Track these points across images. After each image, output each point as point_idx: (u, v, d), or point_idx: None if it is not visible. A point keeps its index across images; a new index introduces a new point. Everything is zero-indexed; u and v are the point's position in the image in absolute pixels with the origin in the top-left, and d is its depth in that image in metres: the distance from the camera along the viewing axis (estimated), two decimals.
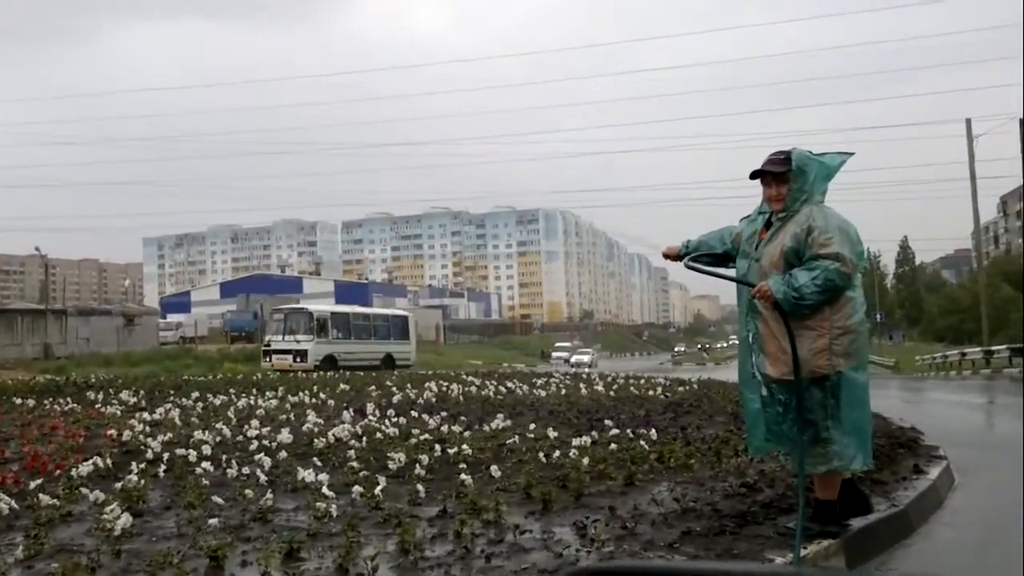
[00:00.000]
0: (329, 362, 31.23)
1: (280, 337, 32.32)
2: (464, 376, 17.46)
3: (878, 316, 72.54)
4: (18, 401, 12.18)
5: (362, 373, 21.57)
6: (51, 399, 12.53)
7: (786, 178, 4.61)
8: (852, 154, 4.83)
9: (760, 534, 4.69)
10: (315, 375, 20.29)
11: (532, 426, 8.59)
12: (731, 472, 6.31)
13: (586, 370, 22.45)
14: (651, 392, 13.61)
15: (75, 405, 11.46)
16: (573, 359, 56.77)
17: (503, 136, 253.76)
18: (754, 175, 4.73)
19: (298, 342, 31.73)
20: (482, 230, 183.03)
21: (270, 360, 31.61)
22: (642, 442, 7.38)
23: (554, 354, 64.79)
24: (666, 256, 5.34)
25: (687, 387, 15.13)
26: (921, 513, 5.68)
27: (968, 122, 41.07)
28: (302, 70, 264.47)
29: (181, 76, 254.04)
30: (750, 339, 4.71)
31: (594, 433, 8.04)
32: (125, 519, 4.71)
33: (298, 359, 31.02)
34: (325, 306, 39.07)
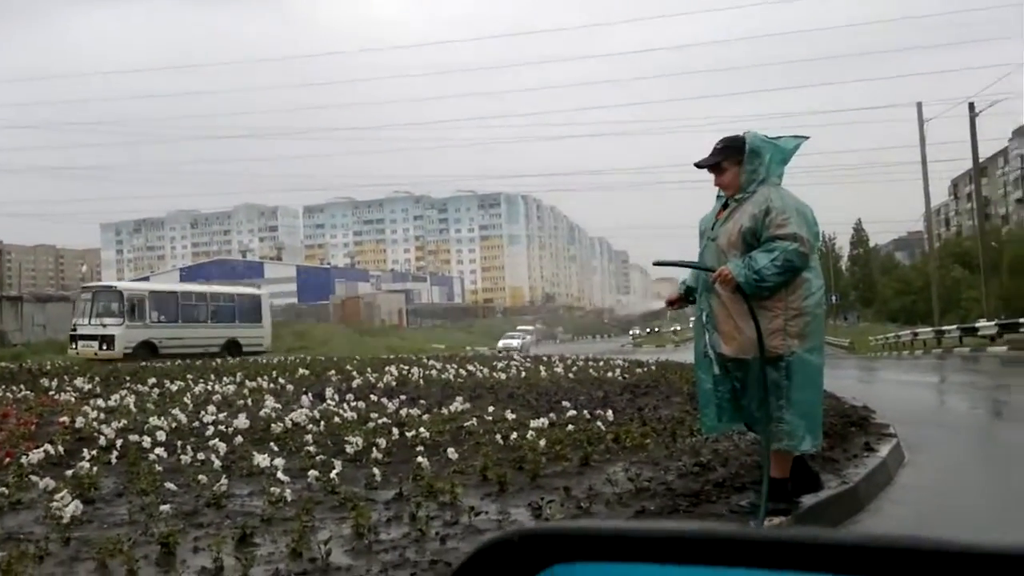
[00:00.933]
0: (147, 349, 27.56)
1: (86, 320, 28.14)
2: (425, 360, 17.43)
3: (833, 298, 73.59)
4: None
5: (323, 358, 21.34)
6: (3, 386, 12.30)
7: (722, 168, 4.67)
8: (807, 138, 4.90)
9: (713, 512, 4.76)
10: (274, 359, 20.12)
11: (491, 408, 8.60)
12: (686, 452, 6.38)
13: (515, 356, 21.64)
14: (609, 374, 13.69)
15: (28, 392, 11.26)
16: (500, 344, 51.68)
17: (464, 120, 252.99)
18: (698, 166, 4.80)
19: (104, 326, 27.66)
20: (444, 214, 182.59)
21: (76, 346, 27.84)
22: (599, 423, 7.43)
23: (501, 342, 60.50)
24: (670, 303, 5.37)
25: (645, 369, 15.25)
26: (871, 490, 5.78)
27: (919, 106, 41.71)
28: (262, 53, 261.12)
29: (140, 59, 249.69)
30: (703, 318, 4.76)
31: (552, 415, 8.08)
32: (75, 506, 4.64)
33: (104, 346, 27.17)
34: (144, 284, 35.13)
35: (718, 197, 4.89)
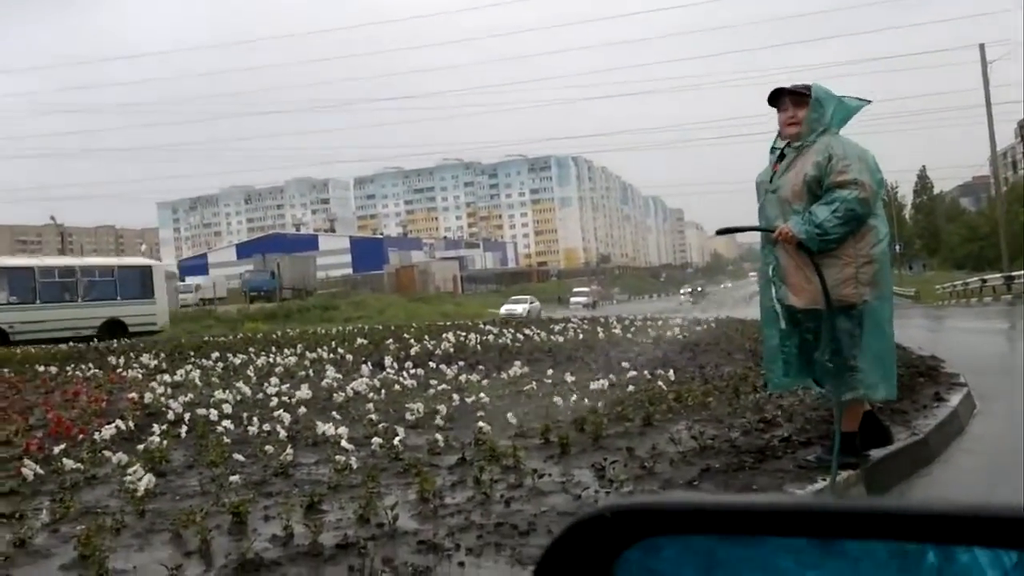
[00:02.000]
0: None
1: None
2: (482, 325, 17.49)
3: (897, 247, 71.96)
4: (41, 369, 12.30)
5: (366, 327, 20.91)
6: (73, 365, 12.65)
7: (804, 102, 4.59)
8: (870, 101, 4.88)
9: (780, 468, 4.69)
10: (332, 330, 20.31)
11: (550, 371, 8.59)
12: (749, 408, 6.30)
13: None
14: (668, 333, 13.58)
15: (97, 370, 11.57)
16: (503, 309, 48.22)
17: (511, 84, 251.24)
18: (772, 97, 4.70)
19: None
20: (495, 180, 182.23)
21: None
22: (660, 383, 7.37)
23: (572, 299, 66.40)
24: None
25: (704, 326, 15.10)
26: (942, 441, 5.66)
27: (982, 47, 40.27)
28: (309, 26, 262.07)
29: (192, 37, 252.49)
30: (770, 272, 4.69)
31: (612, 376, 8.04)
32: (148, 479, 4.75)
33: None
34: None
35: (772, 150, 4.83)
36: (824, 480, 4.37)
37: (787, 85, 4.74)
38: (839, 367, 4.49)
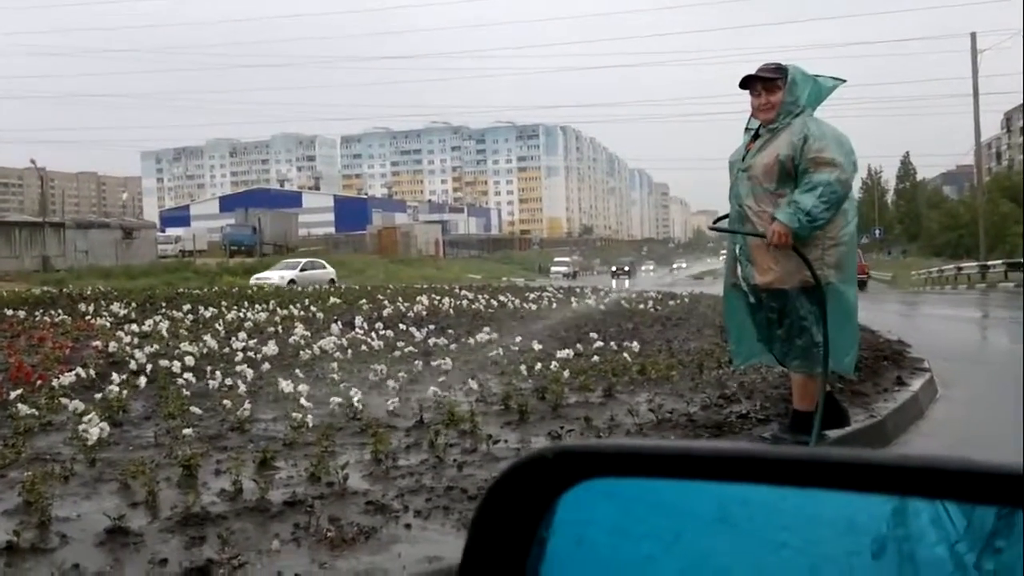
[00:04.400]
0: None
1: None
2: (457, 290, 17.45)
3: (877, 232, 72.37)
4: (9, 312, 12.18)
5: (343, 286, 21.23)
6: (43, 311, 12.52)
7: (776, 86, 4.56)
8: (844, 81, 4.85)
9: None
10: (310, 289, 20.24)
11: (518, 339, 8.59)
12: (711, 384, 6.32)
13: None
14: (641, 306, 13.60)
15: (66, 317, 11.45)
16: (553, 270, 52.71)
17: (502, 49, 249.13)
18: (744, 82, 4.65)
19: None
20: (482, 145, 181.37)
21: None
22: (625, 355, 7.38)
23: (552, 268, 66.26)
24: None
25: (678, 301, 15.13)
26: (900, 424, 5.70)
27: (973, 36, 40.21)
28: None
29: None
30: (736, 251, 4.69)
31: (579, 346, 8.04)
32: (100, 428, 4.71)
33: None
34: None
35: (746, 130, 4.82)
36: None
37: (760, 68, 4.68)
38: (802, 345, 4.50)
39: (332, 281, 32.02)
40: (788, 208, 4.38)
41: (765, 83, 4.58)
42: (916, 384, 6.65)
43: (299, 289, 21.48)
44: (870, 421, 5.40)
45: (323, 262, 36.96)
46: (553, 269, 66.76)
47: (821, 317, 4.48)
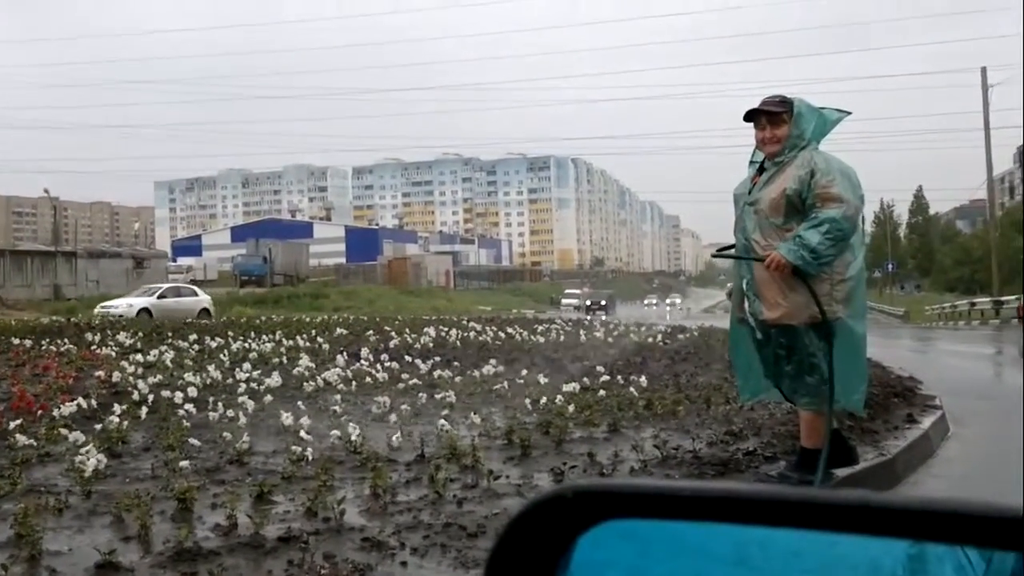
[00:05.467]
0: None
1: None
2: (465, 321, 17.39)
3: (889, 266, 72.04)
4: (16, 341, 12.18)
5: (351, 318, 20.99)
6: (49, 340, 12.53)
7: (782, 120, 4.53)
8: (849, 113, 4.82)
9: (741, 482, 4.61)
10: (318, 319, 20.15)
11: (524, 372, 8.51)
12: (718, 420, 6.23)
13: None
14: (650, 339, 13.53)
15: (72, 346, 11.44)
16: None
17: (513, 82, 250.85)
18: (748, 116, 4.62)
19: None
20: (493, 177, 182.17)
21: None
22: (632, 389, 7.29)
23: (563, 300, 65.41)
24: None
25: (687, 335, 15.03)
26: (910, 463, 5.60)
27: (983, 71, 40.29)
28: (314, 13, 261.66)
29: (193, 18, 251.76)
30: (744, 285, 4.63)
31: (585, 379, 7.96)
32: (97, 460, 4.66)
33: None
34: None
35: (751, 163, 4.78)
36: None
37: (764, 101, 4.65)
38: (810, 382, 4.44)
39: (206, 311, 27.49)
40: (792, 244, 4.33)
41: (770, 116, 4.55)
42: (927, 422, 6.54)
43: (157, 322, 18.68)
44: (879, 459, 5.30)
45: (195, 289, 31.40)
46: (564, 301, 65.84)
47: (830, 353, 4.42)
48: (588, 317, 26.03)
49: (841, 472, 4.78)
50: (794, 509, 0.65)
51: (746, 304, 4.64)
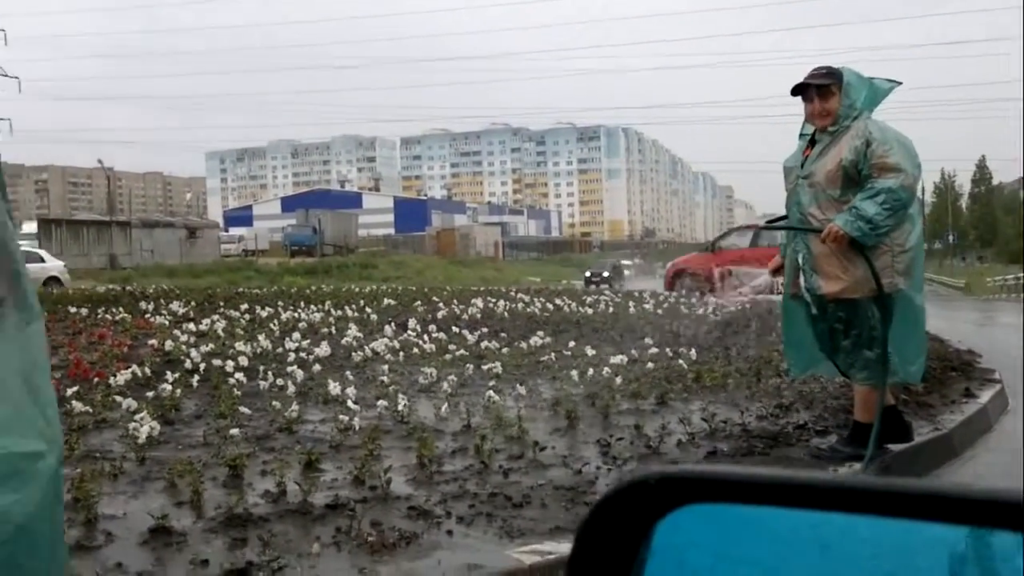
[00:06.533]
0: None
1: None
2: (513, 292, 17.36)
3: (951, 237, 70.43)
4: (73, 310, 12.46)
5: (400, 288, 21.08)
6: (105, 308, 12.78)
7: (831, 92, 4.45)
8: (900, 83, 4.71)
9: (789, 456, 4.56)
10: (367, 289, 20.31)
11: (572, 344, 8.48)
12: (768, 393, 6.14)
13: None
14: (701, 310, 13.37)
15: (126, 315, 11.66)
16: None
17: (563, 50, 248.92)
18: (796, 90, 4.53)
19: None
20: (542, 147, 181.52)
21: None
22: (681, 361, 7.22)
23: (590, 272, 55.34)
24: (773, 271, 5.07)
25: (739, 306, 14.82)
26: (967, 437, 5.47)
27: None
28: None
29: None
30: (799, 260, 4.55)
31: (633, 351, 7.90)
32: (151, 427, 4.74)
33: None
34: None
35: (801, 136, 4.71)
36: (835, 471, 4.23)
37: (811, 73, 4.56)
38: (868, 356, 4.36)
39: (55, 279, 23.56)
40: (849, 215, 4.25)
41: (819, 89, 4.45)
42: (985, 396, 6.38)
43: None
44: (935, 434, 5.19)
45: (41, 254, 26.17)
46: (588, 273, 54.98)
47: (890, 326, 4.34)
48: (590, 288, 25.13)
49: (895, 447, 4.69)
50: (875, 497, 0.66)
51: (801, 279, 4.56)
